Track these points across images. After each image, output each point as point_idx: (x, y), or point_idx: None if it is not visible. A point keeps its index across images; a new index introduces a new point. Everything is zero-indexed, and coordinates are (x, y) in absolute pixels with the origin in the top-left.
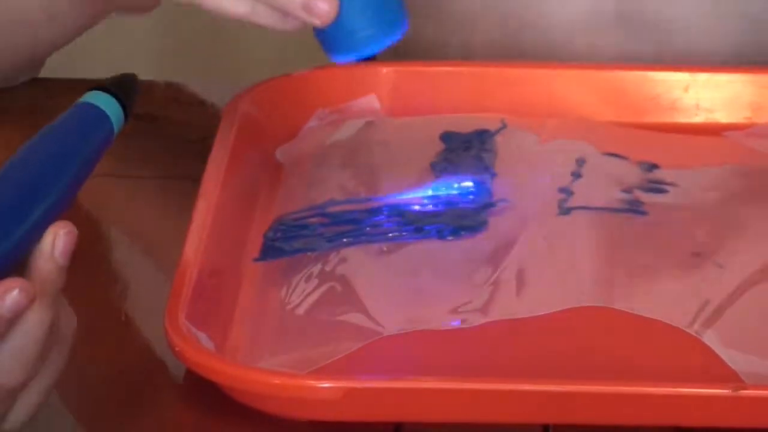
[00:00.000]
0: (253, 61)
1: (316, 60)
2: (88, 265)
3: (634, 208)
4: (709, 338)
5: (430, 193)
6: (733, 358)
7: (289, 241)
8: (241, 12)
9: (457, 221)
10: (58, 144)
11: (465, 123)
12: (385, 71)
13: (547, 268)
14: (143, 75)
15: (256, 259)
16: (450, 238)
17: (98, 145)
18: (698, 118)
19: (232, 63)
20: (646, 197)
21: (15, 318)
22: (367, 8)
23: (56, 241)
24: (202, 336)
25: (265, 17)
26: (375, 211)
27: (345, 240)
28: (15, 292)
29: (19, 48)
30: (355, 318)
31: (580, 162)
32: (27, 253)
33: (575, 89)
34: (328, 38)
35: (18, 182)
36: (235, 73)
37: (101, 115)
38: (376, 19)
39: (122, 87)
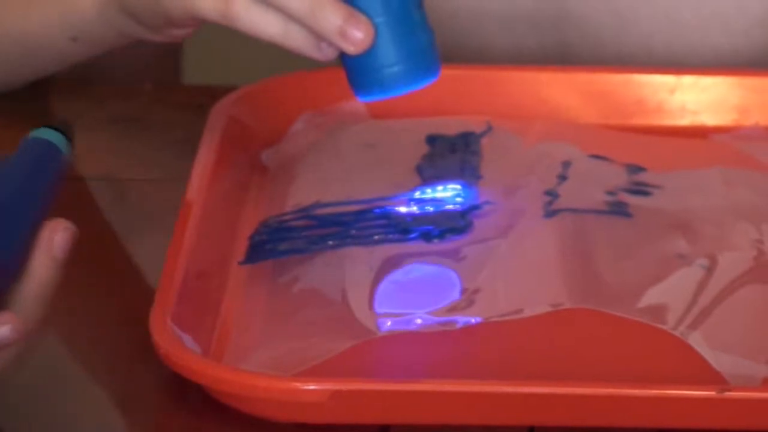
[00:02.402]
0: (241, 63)
1: (303, 64)
2: (74, 266)
3: (619, 210)
4: (695, 340)
5: (416, 195)
6: (718, 359)
7: (274, 244)
8: (274, 33)
9: (443, 224)
10: (23, 173)
11: (450, 125)
12: None
13: (533, 270)
14: (132, 77)
15: (242, 262)
16: (436, 240)
17: (54, 172)
18: (684, 121)
19: (220, 65)
20: (631, 199)
21: None
22: (400, 46)
23: (55, 238)
24: (188, 338)
25: (298, 41)
26: (361, 214)
27: (330, 242)
28: (6, 328)
29: (40, 67)
30: (340, 320)
31: (566, 164)
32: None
33: (561, 91)
34: (356, 73)
35: None
36: (222, 74)
37: (53, 146)
38: (408, 58)
39: (63, 125)
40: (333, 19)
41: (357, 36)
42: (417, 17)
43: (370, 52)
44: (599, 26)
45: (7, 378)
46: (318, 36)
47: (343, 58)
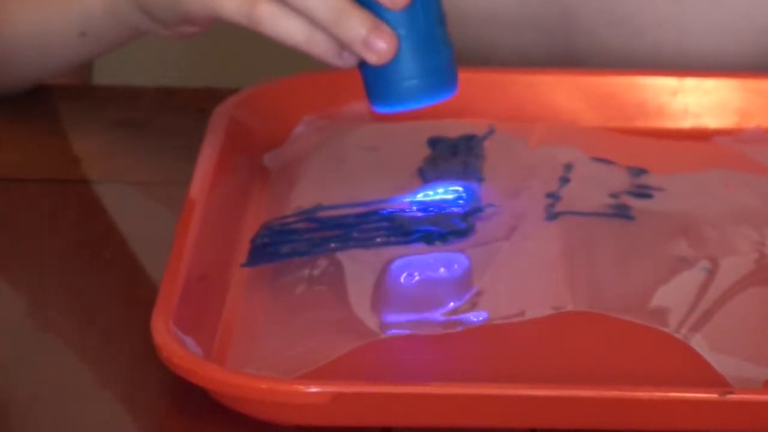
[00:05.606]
0: (243, 66)
1: (306, 66)
2: (76, 270)
3: (622, 213)
4: (697, 342)
5: (418, 198)
6: (720, 362)
7: (276, 247)
8: (299, 39)
9: (445, 226)
10: None
11: (452, 128)
12: None
13: (535, 273)
14: (136, 80)
15: (244, 264)
16: (438, 243)
17: None
18: (686, 123)
19: (222, 68)
20: (634, 202)
21: None
22: (421, 59)
23: None
24: (190, 341)
25: (321, 48)
26: (363, 216)
27: (332, 245)
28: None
29: (47, 65)
30: (342, 323)
31: (568, 167)
32: None
33: (563, 94)
34: (374, 83)
35: None
36: (224, 78)
37: None
38: (427, 72)
39: None
40: (359, 28)
41: (381, 47)
42: (439, 32)
43: (390, 64)
44: (607, 33)
45: (10, 381)
46: (341, 44)
47: (362, 67)
